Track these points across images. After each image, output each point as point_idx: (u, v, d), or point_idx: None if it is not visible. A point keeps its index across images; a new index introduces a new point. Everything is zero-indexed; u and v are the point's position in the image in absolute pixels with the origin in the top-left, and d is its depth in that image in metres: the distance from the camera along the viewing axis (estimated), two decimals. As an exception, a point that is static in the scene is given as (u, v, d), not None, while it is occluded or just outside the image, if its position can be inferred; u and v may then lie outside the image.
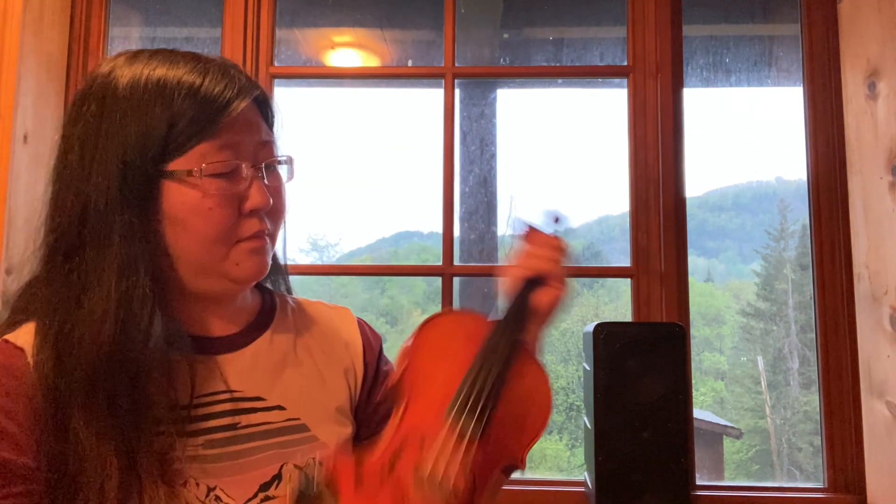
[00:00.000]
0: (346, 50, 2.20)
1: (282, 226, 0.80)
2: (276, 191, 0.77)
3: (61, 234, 0.70)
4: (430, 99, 1.98)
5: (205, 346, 0.76)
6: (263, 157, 0.76)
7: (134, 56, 0.73)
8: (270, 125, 0.81)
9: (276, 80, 1.92)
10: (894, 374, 1.54)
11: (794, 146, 1.90)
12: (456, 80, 1.91)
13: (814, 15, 1.88)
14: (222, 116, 0.70)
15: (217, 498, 0.70)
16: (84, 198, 0.69)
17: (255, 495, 0.72)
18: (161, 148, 0.69)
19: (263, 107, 0.79)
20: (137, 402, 0.67)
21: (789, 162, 2.06)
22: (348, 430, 0.84)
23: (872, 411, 1.63)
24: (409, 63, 2.23)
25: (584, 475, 1.68)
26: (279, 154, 0.79)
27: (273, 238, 0.78)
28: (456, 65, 1.92)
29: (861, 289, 1.68)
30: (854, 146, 1.73)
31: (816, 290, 1.80)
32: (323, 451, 0.78)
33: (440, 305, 1.85)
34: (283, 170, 0.80)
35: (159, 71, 0.70)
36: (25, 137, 1.70)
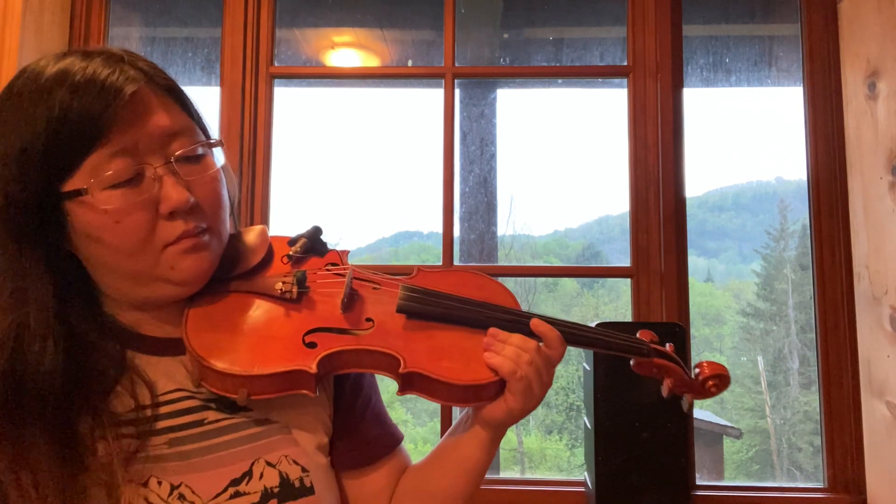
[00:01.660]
0: (346, 50, 2.20)
1: (222, 217, 0.75)
2: (200, 182, 0.71)
3: None
4: (430, 99, 1.98)
5: (164, 347, 0.75)
6: (175, 149, 0.69)
7: (21, 72, 0.69)
8: (188, 112, 0.74)
9: (276, 80, 1.92)
10: (894, 374, 1.54)
11: (794, 146, 1.90)
12: (456, 80, 1.91)
13: (814, 15, 1.88)
14: (102, 120, 0.64)
15: (181, 496, 0.69)
16: None
17: (225, 490, 0.71)
18: (47, 177, 0.65)
19: (170, 91, 0.72)
20: (55, 423, 0.65)
21: (789, 162, 2.06)
22: (323, 434, 0.82)
23: (872, 411, 1.63)
24: (409, 63, 2.23)
25: (584, 475, 1.68)
26: (197, 139, 0.72)
27: (214, 231, 0.73)
28: (456, 65, 1.92)
29: (861, 289, 1.68)
30: (854, 146, 1.73)
31: (816, 290, 1.80)
32: (294, 447, 0.77)
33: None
34: (212, 157, 0.74)
35: (32, 109, 0.65)
36: (25, 137, 1.70)
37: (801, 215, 1.92)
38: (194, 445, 0.72)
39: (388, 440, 0.87)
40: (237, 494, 0.71)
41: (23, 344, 0.65)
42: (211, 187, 0.72)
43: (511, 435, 4.27)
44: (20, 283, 0.66)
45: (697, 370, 0.84)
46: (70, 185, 0.65)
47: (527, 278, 3.85)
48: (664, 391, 0.84)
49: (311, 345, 0.74)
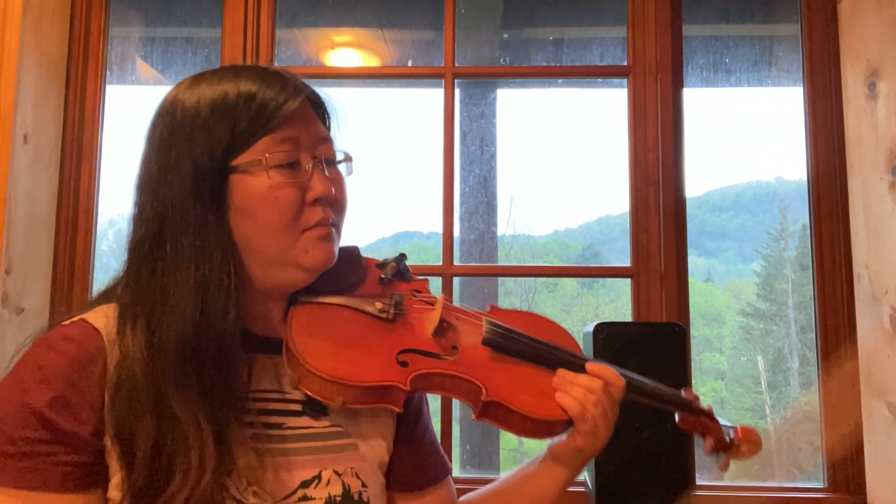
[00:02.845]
0: (346, 50, 2.20)
1: (344, 219, 0.84)
2: (337, 183, 0.82)
3: (144, 234, 0.76)
4: (430, 99, 1.98)
5: (266, 345, 0.81)
6: (323, 152, 0.81)
7: (198, 77, 0.80)
8: (328, 127, 0.86)
9: (276, 80, 1.92)
10: (894, 374, 1.54)
11: (794, 146, 1.90)
12: (456, 80, 1.91)
13: (814, 15, 1.88)
14: (279, 113, 0.76)
15: (255, 493, 0.72)
16: (162, 199, 0.76)
17: (295, 492, 0.75)
18: (226, 148, 0.75)
19: (319, 109, 0.85)
20: (223, 381, 0.72)
21: (789, 162, 2.06)
22: (385, 454, 0.87)
23: (872, 411, 1.63)
24: (409, 63, 2.23)
25: (584, 475, 1.68)
26: (338, 151, 0.84)
27: (338, 229, 0.82)
28: (456, 65, 1.92)
29: (861, 289, 1.68)
30: (854, 146, 1.73)
31: (816, 290, 1.80)
32: (361, 462, 0.82)
33: (440, 305, 1.85)
34: (343, 168, 0.85)
35: (220, 86, 0.77)
36: (25, 137, 1.70)
37: (801, 215, 1.92)
38: (273, 445, 0.76)
39: (440, 468, 0.92)
40: (305, 498, 0.76)
41: (209, 296, 0.73)
42: (342, 191, 0.83)
43: (510, 435, 4.27)
44: (204, 240, 0.74)
45: (733, 434, 0.90)
46: (242, 160, 0.76)
47: (527, 278, 3.85)
48: (705, 448, 0.91)
49: (404, 364, 0.79)
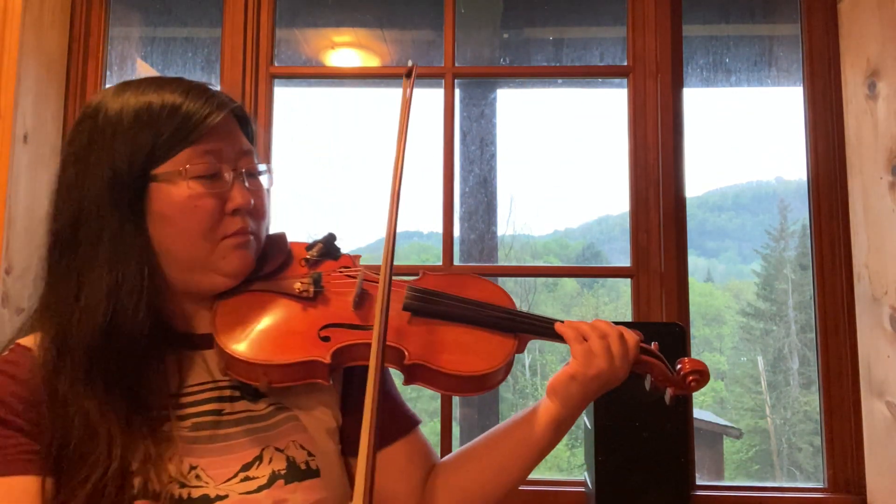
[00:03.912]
0: (346, 50, 2.20)
1: (264, 227, 0.88)
2: (257, 194, 0.85)
3: (59, 236, 0.80)
4: (430, 99, 1.98)
5: (193, 341, 0.85)
6: (244, 165, 0.84)
7: (123, 86, 0.83)
8: (251, 140, 0.88)
9: (276, 80, 1.92)
10: (894, 374, 1.54)
11: (794, 146, 1.90)
12: (456, 80, 1.91)
13: (814, 15, 1.88)
14: (202, 125, 0.79)
15: (197, 476, 0.77)
16: (78, 203, 0.78)
17: (236, 475, 0.78)
18: (147, 156, 0.78)
19: (243, 122, 0.87)
20: (132, 382, 0.77)
21: (789, 162, 2.06)
22: (332, 420, 0.88)
23: (872, 411, 1.63)
24: (409, 63, 2.23)
25: (584, 475, 1.68)
26: (258, 164, 0.87)
27: (257, 237, 0.86)
28: (456, 65, 1.92)
29: (861, 289, 1.68)
30: (854, 146, 1.73)
31: (816, 290, 1.80)
32: (303, 433, 0.84)
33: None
34: (263, 179, 0.88)
35: (145, 96, 0.80)
36: (25, 137, 1.70)
37: (801, 215, 1.92)
38: (212, 432, 0.80)
39: (401, 420, 0.92)
40: (247, 479, 0.78)
41: (120, 298, 0.76)
42: (262, 201, 0.86)
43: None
44: (120, 246, 0.77)
45: (679, 366, 0.91)
46: (163, 169, 0.78)
47: (527, 278, 3.85)
48: (647, 385, 0.91)
49: (326, 338, 0.82)
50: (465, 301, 0.88)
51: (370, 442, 0.65)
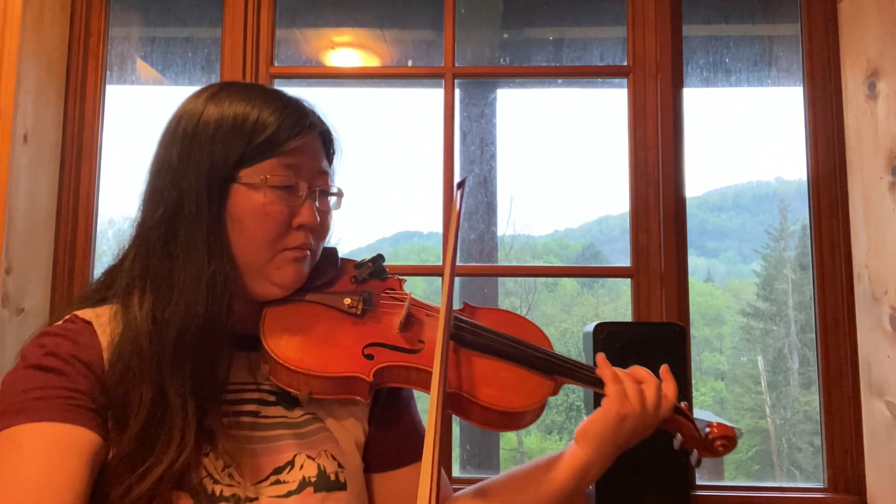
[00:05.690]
0: (346, 50, 2.20)
1: (322, 246, 0.92)
2: (324, 213, 0.89)
3: (161, 216, 0.82)
4: (430, 99, 1.98)
5: (243, 341, 0.86)
6: (319, 184, 0.88)
7: (226, 87, 0.87)
8: (330, 160, 0.93)
9: (276, 80, 1.92)
10: (894, 374, 1.54)
11: (794, 146, 1.90)
12: (456, 80, 1.91)
13: (814, 15, 1.88)
14: (290, 143, 0.83)
15: (230, 475, 0.78)
16: (180, 191, 0.81)
17: (267, 478, 0.80)
18: (237, 159, 0.82)
19: (327, 143, 0.92)
20: (212, 369, 0.79)
21: (789, 162, 2.06)
22: (361, 434, 0.90)
23: (872, 411, 1.63)
24: (409, 63, 2.23)
25: (584, 475, 1.68)
26: (333, 185, 0.91)
27: (314, 254, 0.89)
28: (456, 65, 1.92)
29: (861, 289, 1.68)
30: (854, 146, 1.73)
31: (816, 290, 1.80)
32: (334, 444, 0.85)
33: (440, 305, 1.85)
34: (333, 200, 0.92)
35: (245, 106, 0.84)
36: (25, 137, 1.70)
37: (801, 215, 1.92)
38: (249, 433, 0.82)
39: (419, 446, 0.91)
40: (278, 482, 0.80)
41: (216, 290, 0.79)
42: (327, 221, 0.90)
43: (511, 435, 4.27)
44: (215, 238, 0.81)
45: (708, 430, 0.91)
46: (247, 173, 0.82)
47: (527, 278, 3.84)
48: (675, 444, 0.92)
49: (370, 356, 0.83)
50: (507, 338, 0.89)
51: (433, 461, 0.66)
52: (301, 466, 0.81)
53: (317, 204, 0.87)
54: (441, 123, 1.88)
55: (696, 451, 0.91)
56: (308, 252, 0.87)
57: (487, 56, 2.18)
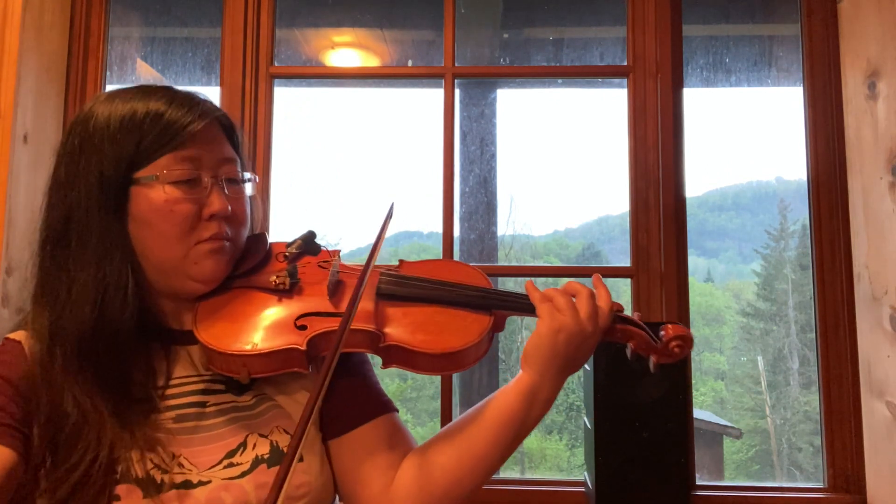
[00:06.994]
0: (346, 50, 2.20)
1: (243, 233, 0.91)
2: (236, 201, 0.88)
3: (50, 233, 0.84)
4: (430, 99, 1.98)
5: (180, 337, 0.88)
6: (224, 172, 0.87)
7: (113, 94, 0.86)
8: (236, 147, 0.91)
9: (276, 80, 1.92)
10: (894, 374, 1.54)
11: (794, 146, 1.90)
12: (456, 80, 1.91)
13: (814, 15, 1.88)
14: (183, 133, 0.82)
15: (180, 464, 0.80)
16: (69, 202, 0.82)
17: (220, 462, 0.81)
18: (130, 161, 0.82)
19: (229, 131, 0.91)
20: (120, 373, 0.81)
21: (789, 162, 2.06)
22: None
23: (872, 411, 1.63)
24: (409, 63, 2.23)
25: (584, 475, 1.68)
26: (242, 172, 0.90)
27: (234, 243, 0.88)
28: (456, 65, 1.92)
29: (861, 289, 1.68)
30: (854, 146, 1.73)
31: (816, 290, 1.80)
32: (287, 419, 0.87)
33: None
34: (247, 187, 0.91)
35: (131, 104, 0.83)
36: (25, 137, 1.70)
37: (801, 215, 1.92)
38: (196, 423, 0.83)
39: (372, 405, 0.92)
40: (231, 465, 0.81)
41: (107, 295, 0.81)
42: (242, 207, 0.89)
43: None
44: (106, 244, 0.81)
45: (662, 332, 0.90)
46: (143, 173, 0.82)
47: (527, 278, 3.84)
48: (628, 353, 0.91)
49: (302, 327, 0.85)
50: (437, 283, 0.90)
51: (313, 406, 0.68)
52: (254, 446, 0.83)
53: (226, 191, 0.86)
54: (441, 123, 1.88)
55: (651, 357, 0.90)
56: (226, 242, 0.86)
57: (487, 56, 2.18)
